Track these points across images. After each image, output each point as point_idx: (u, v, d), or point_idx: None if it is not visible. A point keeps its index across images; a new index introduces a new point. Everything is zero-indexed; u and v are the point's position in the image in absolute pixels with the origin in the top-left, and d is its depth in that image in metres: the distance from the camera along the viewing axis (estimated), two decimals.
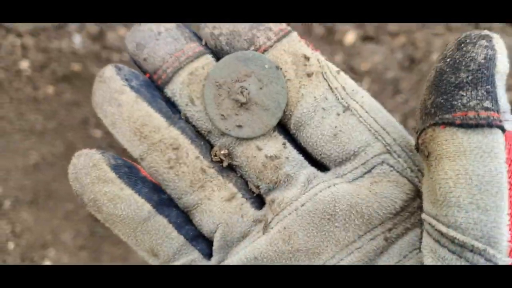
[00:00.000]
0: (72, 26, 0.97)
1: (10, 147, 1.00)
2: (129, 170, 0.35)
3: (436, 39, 0.96)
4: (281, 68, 0.34)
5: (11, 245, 0.97)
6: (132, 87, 0.35)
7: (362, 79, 0.98)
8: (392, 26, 0.97)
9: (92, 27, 0.97)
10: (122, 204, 0.33)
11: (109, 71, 0.36)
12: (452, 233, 0.25)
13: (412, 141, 0.33)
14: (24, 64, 0.96)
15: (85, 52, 0.98)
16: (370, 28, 0.97)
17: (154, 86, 0.37)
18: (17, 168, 1.00)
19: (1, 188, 0.99)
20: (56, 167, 1.02)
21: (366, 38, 0.98)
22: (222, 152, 0.35)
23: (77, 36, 0.97)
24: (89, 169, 0.34)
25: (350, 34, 0.96)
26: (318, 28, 0.97)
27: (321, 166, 0.35)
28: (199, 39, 0.37)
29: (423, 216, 0.28)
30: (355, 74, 0.98)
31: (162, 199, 0.35)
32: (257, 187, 0.35)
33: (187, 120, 0.36)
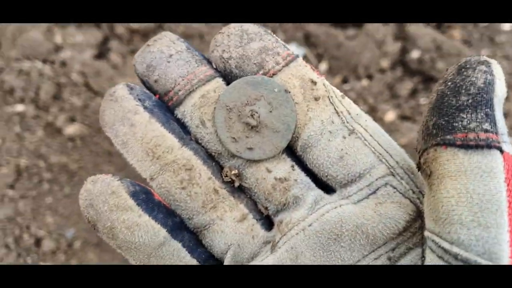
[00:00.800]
0: None
1: None
2: (146, 196, 0.34)
3: None
4: (289, 92, 0.34)
5: None
6: (145, 107, 0.34)
7: None
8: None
9: None
10: (140, 231, 0.32)
11: (121, 90, 0.35)
12: (455, 249, 0.25)
13: (413, 164, 0.33)
14: None
15: None
16: (407, 109, 1.05)
17: (166, 107, 0.36)
18: None
19: (73, 230, 1.09)
20: None
21: (403, 117, 1.04)
22: (233, 172, 0.35)
23: None
24: (107, 196, 0.32)
25: (390, 113, 1.04)
26: (362, 106, 1.09)
27: (325, 187, 0.35)
28: (208, 62, 0.37)
29: (426, 233, 0.28)
30: None
31: (175, 223, 0.34)
32: (266, 208, 0.35)
33: (197, 142, 0.36)
